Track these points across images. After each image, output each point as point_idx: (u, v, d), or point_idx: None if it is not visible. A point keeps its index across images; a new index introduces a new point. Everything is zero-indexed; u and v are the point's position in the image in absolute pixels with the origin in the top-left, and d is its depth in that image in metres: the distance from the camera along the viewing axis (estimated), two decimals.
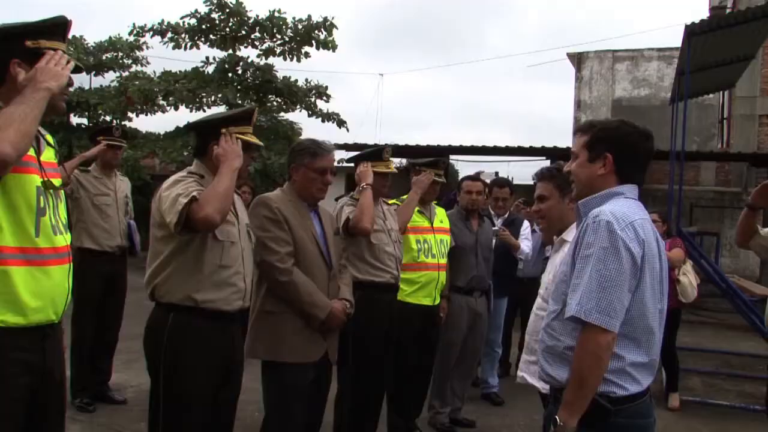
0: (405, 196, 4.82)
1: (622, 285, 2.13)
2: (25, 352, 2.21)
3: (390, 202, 4.65)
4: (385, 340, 4.16)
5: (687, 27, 6.81)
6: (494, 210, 6.18)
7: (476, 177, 5.54)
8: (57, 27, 2.36)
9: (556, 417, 2.18)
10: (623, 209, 2.22)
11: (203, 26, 16.69)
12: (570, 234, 3.01)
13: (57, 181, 2.37)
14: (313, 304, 3.31)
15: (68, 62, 2.28)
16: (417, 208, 4.75)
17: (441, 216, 5.07)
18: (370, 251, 4.16)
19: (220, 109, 17.01)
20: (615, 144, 2.34)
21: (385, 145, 4.53)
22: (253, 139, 3.10)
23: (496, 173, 14.45)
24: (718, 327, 10.79)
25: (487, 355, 6.14)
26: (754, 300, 7.18)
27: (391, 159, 4.45)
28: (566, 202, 3.11)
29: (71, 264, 2.38)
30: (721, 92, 14.15)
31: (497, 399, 6.03)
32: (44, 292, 2.24)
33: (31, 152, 2.20)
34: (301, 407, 3.34)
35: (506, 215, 6.30)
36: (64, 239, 2.35)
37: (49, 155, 2.33)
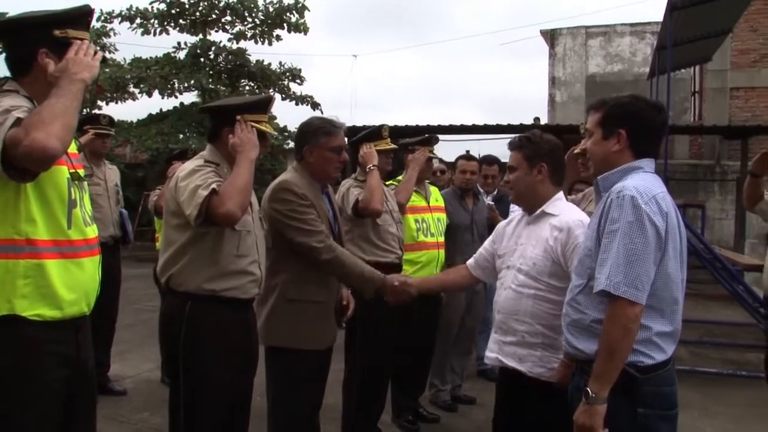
0: (400, 177, 4.83)
1: (647, 258, 2.17)
2: (61, 345, 2.21)
3: (387, 183, 4.65)
4: (392, 320, 4.17)
5: (669, 0, 6.87)
6: (483, 187, 6.19)
7: (471, 156, 5.56)
8: (82, 16, 2.33)
9: (588, 389, 2.22)
10: (645, 183, 2.25)
11: (173, 11, 16.46)
12: (553, 207, 2.97)
13: (82, 172, 2.34)
14: (364, 277, 3.32)
15: (95, 53, 2.25)
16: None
17: (435, 195, 5.12)
18: (375, 232, 4.16)
19: (193, 95, 16.85)
20: (628, 120, 2.36)
21: (383, 124, 4.53)
22: (269, 129, 3.06)
23: (467, 151, 14.50)
24: (698, 298, 10.97)
25: (483, 332, 6.15)
26: (738, 270, 7.33)
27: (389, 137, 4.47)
28: (534, 173, 3.00)
29: (101, 255, 2.37)
30: (694, 66, 14.28)
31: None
32: (78, 285, 2.23)
33: (74, 147, 2.21)
34: (311, 392, 3.33)
35: (495, 192, 6.32)
36: (93, 230, 2.34)
37: (72, 146, 2.29)
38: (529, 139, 3.05)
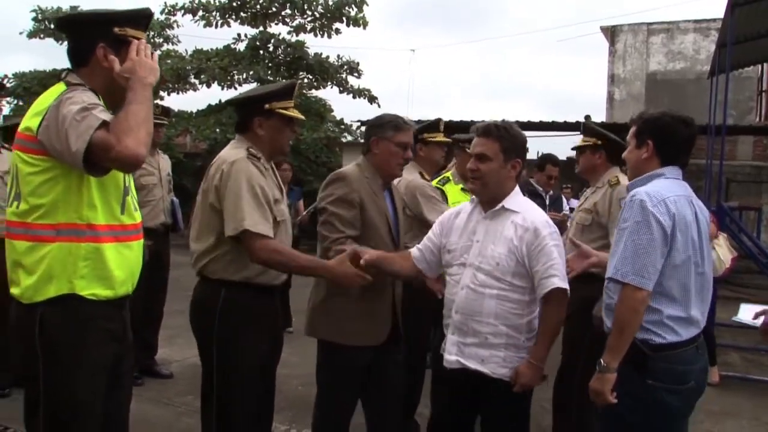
0: (447, 173, 4.85)
1: (653, 251, 2.49)
2: (112, 322, 2.38)
3: (434, 183, 4.64)
4: (433, 315, 4.17)
5: None
6: (545, 187, 6.12)
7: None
8: (142, 17, 2.48)
9: (601, 359, 2.55)
10: (658, 188, 2.58)
11: (234, 3, 16.74)
12: (512, 203, 2.90)
13: None
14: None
15: (152, 53, 2.39)
16: (461, 185, 4.72)
17: None
18: None
19: (252, 86, 17.09)
20: (655, 132, 2.70)
21: (439, 118, 4.57)
22: (296, 114, 3.11)
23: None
24: (755, 303, 10.67)
25: None
26: None
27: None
28: (509, 167, 2.89)
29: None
30: (760, 64, 13.83)
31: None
32: (128, 267, 2.40)
33: None
34: (353, 390, 3.32)
35: (551, 193, 6.28)
36: (139, 215, 2.50)
37: None
38: (507, 130, 2.92)
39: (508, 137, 2.90)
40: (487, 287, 2.82)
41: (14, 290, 2.31)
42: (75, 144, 2.11)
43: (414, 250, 3.19)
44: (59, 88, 2.30)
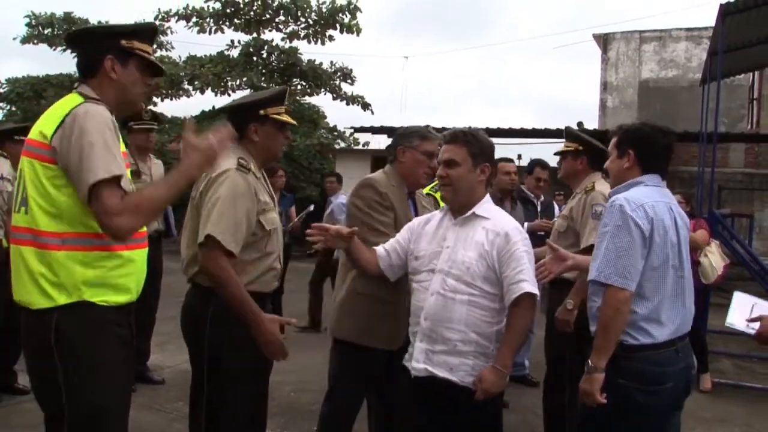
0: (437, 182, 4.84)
1: (634, 253, 2.59)
2: (122, 328, 2.40)
3: (426, 189, 4.63)
4: None
5: (722, 6, 6.72)
6: (534, 190, 6.13)
7: (510, 159, 5.53)
8: (148, 31, 2.59)
9: (588, 360, 2.62)
10: (638, 195, 2.70)
11: (228, 10, 16.79)
12: (483, 210, 2.88)
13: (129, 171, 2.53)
14: None
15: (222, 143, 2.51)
16: None
17: None
18: None
19: (246, 93, 17.12)
20: (636, 142, 2.83)
21: (427, 125, 4.53)
22: (288, 119, 3.12)
23: (519, 156, 14.40)
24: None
25: None
26: None
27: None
28: (478, 172, 2.86)
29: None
30: (751, 72, 13.92)
31: (532, 380, 6.05)
32: (135, 274, 2.44)
33: (123, 146, 2.38)
34: (363, 391, 3.39)
35: (542, 199, 6.28)
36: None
37: (121, 144, 2.43)
38: (474, 136, 2.91)
39: (475, 142, 2.88)
40: (458, 293, 2.77)
41: (22, 297, 2.31)
42: (87, 172, 2.18)
43: (380, 249, 3.11)
44: (75, 99, 2.34)
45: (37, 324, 2.28)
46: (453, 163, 2.86)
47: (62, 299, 2.24)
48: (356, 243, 3.02)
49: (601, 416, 2.65)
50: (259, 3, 16.72)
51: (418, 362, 2.86)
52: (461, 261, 2.79)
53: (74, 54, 2.58)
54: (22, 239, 2.29)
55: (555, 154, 4.50)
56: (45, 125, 2.27)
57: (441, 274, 2.82)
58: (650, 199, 2.69)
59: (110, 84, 2.43)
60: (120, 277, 2.34)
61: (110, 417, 2.33)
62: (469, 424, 2.83)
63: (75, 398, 2.27)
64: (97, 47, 2.44)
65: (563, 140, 4.44)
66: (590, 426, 2.75)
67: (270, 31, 17.52)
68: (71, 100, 2.34)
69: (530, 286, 2.71)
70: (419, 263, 2.94)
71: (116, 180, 2.22)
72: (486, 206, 2.89)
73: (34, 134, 2.30)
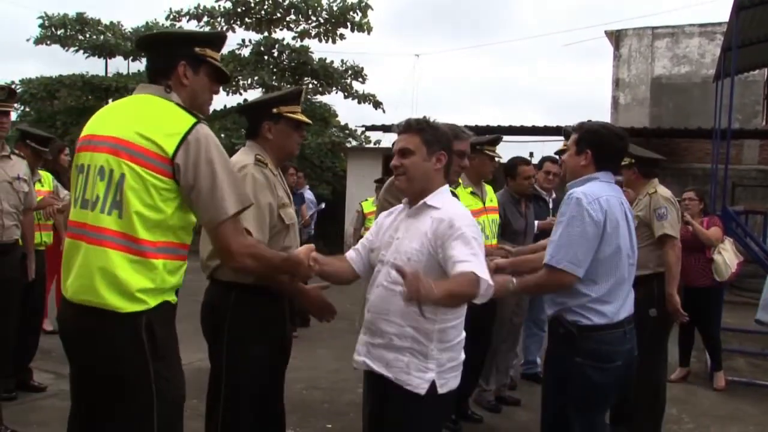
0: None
1: (585, 242, 2.86)
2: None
3: None
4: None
5: (736, 1, 6.67)
6: (543, 184, 6.11)
7: (528, 161, 5.50)
8: (219, 39, 2.69)
9: (514, 280, 3.03)
10: (593, 189, 2.97)
11: (238, 9, 16.82)
12: (435, 199, 2.76)
13: None
14: None
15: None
16: (470, 189, 4.66)
17: (491, 195, 4.96)
18: None
19: (257, 92, 17.18)
20: (594, 143, 3.08)
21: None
22: (302, 118, 3.16)
23: (531, 153, 14.34)
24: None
25: (534, 335, 6.15)
26: None
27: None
28: (433, 160, 2.77)
29: None
30: (765, 68, 13.79)
31: (540, 377, 6.03)
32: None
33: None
34: None
35: (554, 196, 6.25)
36: None
37: None
38: (429, 124, 2.83)
39: (429, 130, 2.79)
40: (399, 284, 2.47)
41: (91, 298, 2.26)
42: (230, 202, 2.33)
43: (350, 252, 3.05)
44: (186, 117, 2.33)
45: (113, 325, 2.26)
46: (407, 152, 2.78)
47: (152, 302, 2.29)
48: (321, 261, 2.83)
49: (555, 390, 3.02)
50: (270, 2, 16.74)
51: (359, 355, 2.82)
52: (404, 252, 2.69)
53: (146, 57, 2.63)
54: (109, 242, 2.24)
55: (555, 153, 4.50)
56: (158, 136, 2.26)
57: (387, 266, 2.72)
58: (605, 193, 2.96)
59: (181, 89, 2.47)
60: (180, 281, 2.44)
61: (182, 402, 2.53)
62: (398, 424, 2.72)
63: (164, 393, 2.37)
64: (172, 52, 2.50)
65: None
66: (548, 398, 3.10)
67: (281, 30, 17.54)
68: (178, 112, 2.34)
69: (476, 267, 2.49)
70: (374, 255, 2.88)
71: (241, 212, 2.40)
72: (439, 196, 2.77)
73: (129, 135, 2.27)
